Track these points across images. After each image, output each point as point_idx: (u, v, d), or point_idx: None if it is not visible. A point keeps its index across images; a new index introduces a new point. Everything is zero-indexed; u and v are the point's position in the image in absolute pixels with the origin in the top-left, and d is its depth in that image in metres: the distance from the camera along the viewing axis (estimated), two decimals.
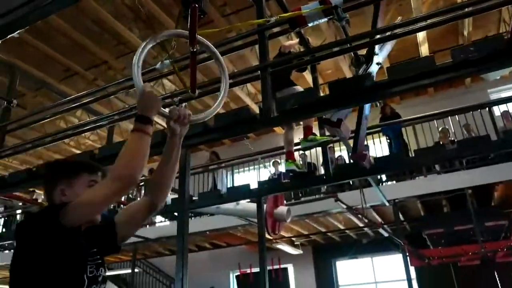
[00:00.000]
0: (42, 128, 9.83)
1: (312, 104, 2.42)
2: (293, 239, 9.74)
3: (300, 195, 8.58)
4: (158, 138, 2.51)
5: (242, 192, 4.08)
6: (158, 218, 10.22)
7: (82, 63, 9.06)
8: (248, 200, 4.57)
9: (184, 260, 2.42)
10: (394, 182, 7.93)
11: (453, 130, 7.84)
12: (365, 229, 8.81)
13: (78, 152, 12.17)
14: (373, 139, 8.08)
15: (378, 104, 3.41)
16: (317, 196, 8.12)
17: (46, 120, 3.69)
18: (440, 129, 7.79)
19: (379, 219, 8.33)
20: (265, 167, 7.53)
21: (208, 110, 1.75)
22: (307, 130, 3.75)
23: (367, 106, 2.95)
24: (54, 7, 1.70)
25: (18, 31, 1.92)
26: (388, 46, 3.00)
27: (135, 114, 1.53)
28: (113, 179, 1.35)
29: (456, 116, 7.49)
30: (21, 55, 7.87)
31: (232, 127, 2.63)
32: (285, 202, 5.09)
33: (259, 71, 2.67)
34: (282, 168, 8.65)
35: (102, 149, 3.12)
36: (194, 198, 5.28)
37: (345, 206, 6.85)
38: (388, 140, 8.00)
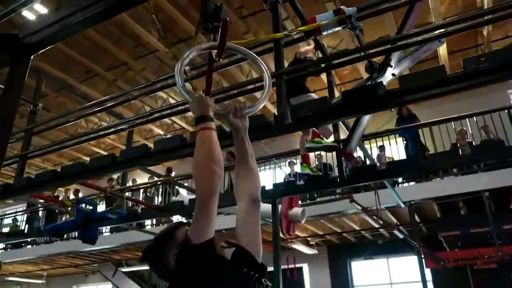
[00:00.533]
0: (64, 127, 10.14)
1: (326, 112, 2.49)
2: (308, 239, 9.79)
3: (316, 195, 8.62)
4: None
5: None
6: (175, 217, 10.39)
7: (103, 65, 9.28)
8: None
9: None
10: (411, 183, 7.91)
11: (471, 132, 7.77)
12: (381, 230, 8.81)
13: (99, 150, 12.47)
14: (389, 140, 8.08)
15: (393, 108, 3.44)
16: (332, 197, 8.17)
17: (71, 123, 3.85)
18: (458, 130, 7.73)
19: (395, 220, 8.32)
20: (280, 168, 7.59)
21: (257, 102, 1.84)
22: (314, 133, 3.73)
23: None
24: (81, 26, 1.81)
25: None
26: (408, 63, 3.05)
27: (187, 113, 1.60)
28: (198, 188, 1.39)
29: (474, 117, 7.42)
30: (45, 57, 8.11)
31: (249, 133, 2.72)
32: (300, 202, 5.16)
33: (274, 79, 2.75)
34: (297, 168, 8.71)
35: (123, 152, 3.25)
36: None
37: (360, 207, 6.88)
38: (405, 142, 7.98)
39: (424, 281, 6.69)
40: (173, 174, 10.24)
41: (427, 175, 7.52)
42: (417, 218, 8.04)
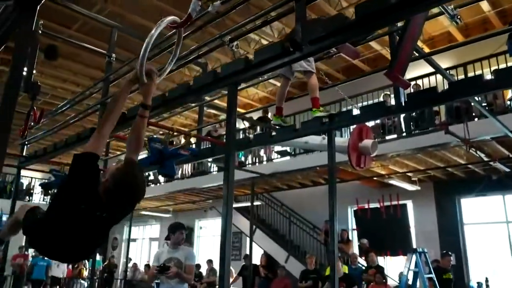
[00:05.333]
0: None
1: (339, 29, 2.30)
2: (409, 174, 9.32)
3: (412, 128, 8.07)
4: None
5: (313, 126, 4.09)
6: (274, 155, 10.82)
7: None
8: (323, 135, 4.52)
9: (229, 196, 2.65)
10: None
11: None
12: (492, 163, 7.92)
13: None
14: (498, 65, 7.00)
15: (459, 21, 2.78)
16: (430, 128, 7.57)
17: None
18: None
19: (507, 153, 7.40)
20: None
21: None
22: (315, 102, 3.89)
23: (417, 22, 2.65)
24: None
25: None
26: None
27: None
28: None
29: None
30: (133, 9, 8.70)
31: (269, 60, 2.69)
32: (372, 135, 4.90)
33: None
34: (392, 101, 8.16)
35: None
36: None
37: (458, 139, 6.26)
38: None
39: None
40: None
41: None
42: None
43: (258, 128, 8.47)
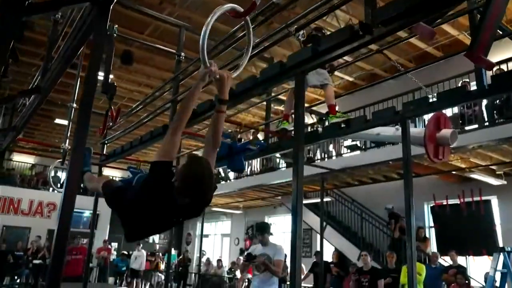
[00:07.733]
0: None
1: (415, 6, 2.14)
2: (493, 167, 8.59)
3: (496, 117, 7.42)
4: None
5: (385, 116, 3.89)
6: (344, 150, 10.57)
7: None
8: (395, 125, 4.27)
9: (299, 190, 2.60)
10: None
11: None
12: None
13: None
14: None
15: None
16: None
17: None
18: None
19: None
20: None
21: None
22: (332, 109, 4.22)
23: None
24: None
25: None
26: None
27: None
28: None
29: None
30: (200, 11, 8.94)
31: (337, 46, 2.58)
32: (451, 124, 4.55)
33: None
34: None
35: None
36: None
37: None
38: None
39: None
40: None
41: None
42: None
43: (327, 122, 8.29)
